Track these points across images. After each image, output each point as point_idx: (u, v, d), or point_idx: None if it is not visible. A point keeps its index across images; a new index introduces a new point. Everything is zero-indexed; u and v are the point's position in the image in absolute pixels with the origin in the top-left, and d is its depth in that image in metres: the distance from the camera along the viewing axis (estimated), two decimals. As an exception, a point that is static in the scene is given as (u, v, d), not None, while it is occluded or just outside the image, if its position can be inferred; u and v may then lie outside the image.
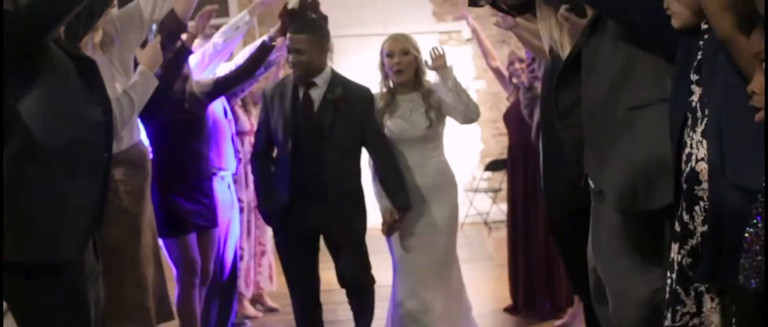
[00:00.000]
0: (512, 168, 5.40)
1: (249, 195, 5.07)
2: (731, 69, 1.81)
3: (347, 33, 8.29)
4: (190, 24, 4.03)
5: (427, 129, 4.17)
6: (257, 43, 4.41)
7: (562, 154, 2.92)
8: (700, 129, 2.07)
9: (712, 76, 2.04)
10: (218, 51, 4.53)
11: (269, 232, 5.09)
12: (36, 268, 2.50)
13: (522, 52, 5.02)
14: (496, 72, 5.39)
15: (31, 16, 2.45)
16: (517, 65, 4.97)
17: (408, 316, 4.18)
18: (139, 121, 3.54)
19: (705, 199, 2.05)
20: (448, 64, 4.18)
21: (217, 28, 4.66)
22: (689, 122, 2.13)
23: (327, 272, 4.21)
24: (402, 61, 4.17)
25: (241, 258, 4.93)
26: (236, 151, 4.60)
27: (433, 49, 4.21)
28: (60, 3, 2.50)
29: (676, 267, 2.12)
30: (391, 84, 4.24)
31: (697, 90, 2.12)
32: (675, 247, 2.14)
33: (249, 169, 4.68)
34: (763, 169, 1.61)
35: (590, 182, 2.69)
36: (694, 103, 2.13)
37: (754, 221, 1.61)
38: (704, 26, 2.08)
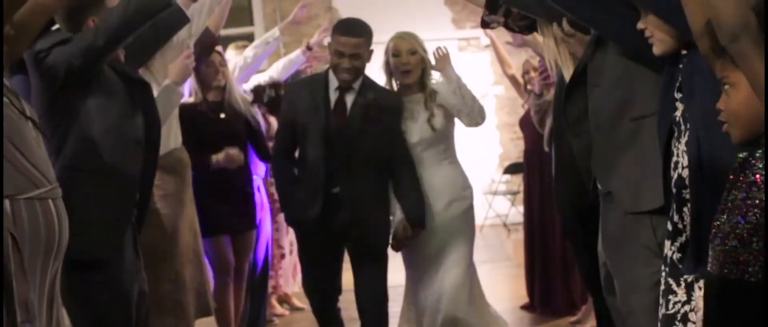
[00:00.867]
0: (529, 171, 5.61)
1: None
2: (705, 89, 2.05)
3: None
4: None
5: (434, 131, 4.00)
6: (294, 55, 4.70)
7: (572, 159, 3.15)
8: (684, 140, 2.30)
9: (689, 94, 2.28)
10: (250, 64, 4.81)
11: (290, 234, 5.31)
12: (82, 264, 2.76)
13: (536, 61, 5.23)
14: (512, 79, 5.60)
15: (71, 68, 2.76)
16: (532, 73, 5.16)
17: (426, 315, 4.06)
18: (178, 128, 3.79)
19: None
20: (452, 64, 4.08)
21: (245, 38, 4.97)
22: (675, 134, 2.36)
23: (348, 273, 4.13)
24: (410, 61, 4.00)
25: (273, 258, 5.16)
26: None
27: (436, 49, 4.08)
28: (95, 52, 2.79)
29: (668, 261, 2.37)
30: (395, 84, 4.09)
31: (680, 106, 2.35)
32: (668, 243, 2.38)
33: None
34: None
35: (598, 185, 2.92)
36: (678, 118, 2.36)
37: (720, 216, 1.86)
38: (684, 52, 2.31)
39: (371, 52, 3.93)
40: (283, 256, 5.57)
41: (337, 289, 4.08)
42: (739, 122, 1.84)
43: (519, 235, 6.03)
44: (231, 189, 4.24)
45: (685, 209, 2.27)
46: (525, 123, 5.55)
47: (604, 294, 3.04)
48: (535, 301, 5.49)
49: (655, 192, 2.47)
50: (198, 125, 4.13)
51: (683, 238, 2.27)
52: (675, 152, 2.34)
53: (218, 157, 4.15)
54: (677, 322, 2.26)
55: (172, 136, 3.73)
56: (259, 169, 4.72)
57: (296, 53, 5.09)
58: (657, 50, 2.39)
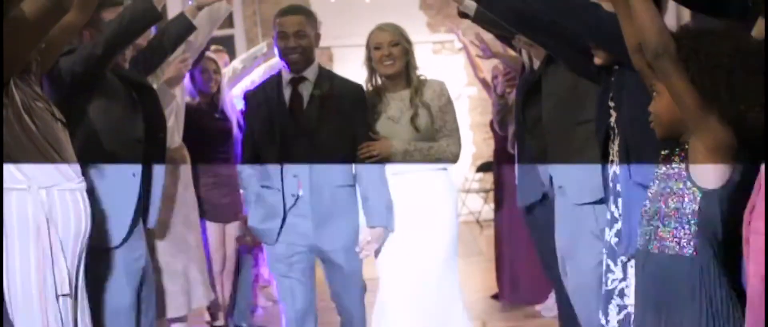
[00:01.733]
0: (498, 169, 5.96)
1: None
2: (630, 101, 2.41)
3: (343, 43, 8.75)
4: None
5: (417, 132, 3.70)
6: (273, 61, 4.95)
7: (532, 158, 3.55)
8: (617, 142, 2.67)
9: (619, 104, 2.66)
10: (237, 76, 5.12)
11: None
12: (96, 251, 3.06)
13: (502, 67, 5.56)
14: (483, 82, 5.94)
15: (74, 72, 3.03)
16: (500, 78, 5.51)
17: None
18: (175, 128, 4.09)
19: None
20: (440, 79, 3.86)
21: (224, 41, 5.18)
22: (611, 137, 2.73)
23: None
24: (392, 52, 3.69)
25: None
26: None
27: None
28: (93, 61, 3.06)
29: (607, 245, 2.73)
30: (378, 80, 3.78)
31: (613, 113, 2.73)
32: (607, 230, 2.75)
33: None
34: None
35: (553, 180, 3.30)
36: (612, 124, 2.73)
37: (645, 202, 2.23)
38: (616, 67, 2.68)
39: (318, 36, 3.72)
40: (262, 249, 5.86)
41: (311, 304, 3.74)
42: (661, 123, 2.21)
43: (492, 231, 6.36)
44: (223, 182, 4.56)
45: (620, 200, 2.63)
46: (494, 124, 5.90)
47: (561, 277, 3.41)
48: (503, 291, 5.85)
49: (596, 186, 2.84)
50: (198, 122, 4.42)
51: (619, 225, 2.64)
52: (610, 152, 2.72)
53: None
54: (615, 296, 2.63)
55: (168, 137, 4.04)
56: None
57: (275, 59, 5.38)
58: (597, 61, 2.75)
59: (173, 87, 3.93)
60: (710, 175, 2.06)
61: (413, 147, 3.68)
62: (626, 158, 2.48)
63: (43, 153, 2.27)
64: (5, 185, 2.18)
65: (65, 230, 2.28)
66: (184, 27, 3.43)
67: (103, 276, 3.03)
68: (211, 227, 4.57)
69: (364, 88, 3.76)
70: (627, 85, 2.40)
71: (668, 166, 2.20)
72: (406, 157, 3.66)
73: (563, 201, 3.20)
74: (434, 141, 3.72)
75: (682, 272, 2.11)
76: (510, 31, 3.45)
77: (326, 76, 3.71)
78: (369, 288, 3.86)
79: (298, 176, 3.59)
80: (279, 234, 3.63)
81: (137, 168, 3.22)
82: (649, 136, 2.25)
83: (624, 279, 2.59)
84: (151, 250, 3.50)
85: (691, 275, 2.09)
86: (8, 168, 2.21)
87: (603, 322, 2.67)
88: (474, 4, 3.46)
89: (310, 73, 3.66)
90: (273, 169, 3.63)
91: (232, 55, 6.61)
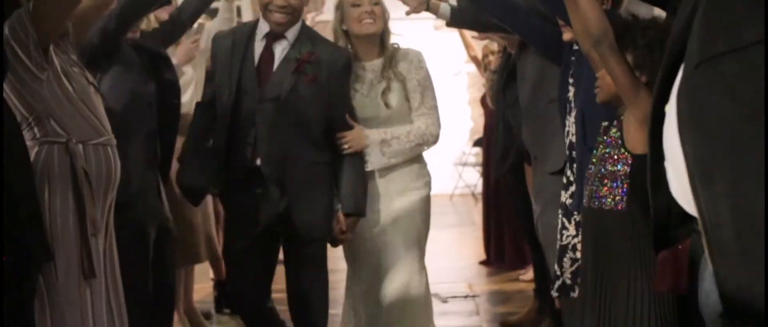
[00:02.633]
0: (487, 144, 6.34)
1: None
2: (588, 76, 2.77)
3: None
4: None
5: (388, 108, 3.35)
6: None
7: (511, 131, 3.95)
8: (573, 114, 3.03)
9: (578, 80, 3.00)
10: None
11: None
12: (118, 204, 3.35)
13: (494, 46, 5.92)
14: (474, 60, 6.30)
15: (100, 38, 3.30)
16: (490, 57, 5.86)
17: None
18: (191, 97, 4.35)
19: None
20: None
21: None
22: (568, 109, 3.09)
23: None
24: (374, 10, 3.32)
25: None
26: None
27: None
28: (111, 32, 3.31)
29: (563, 205, 3.10)
30: (350, 47, 3.40)
31: (572, 89, 3.08)
32: (563, 192, 3.12)
33: None
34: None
35: (529, 151, 3.70)
36: (570, 98, 3.08)
37: (590, 166, 2.61)
38: (575, 47, 3.03)
39: None
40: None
41: (267, 292, 3.36)
42: (603, 90, 2.57)
43: (485, 203, 6.77)
44: None
45: (574, 166, 3.01)
46: (485, 100, 6.27)
47: (537, 234, 3.80)
48: (490, 257, 6.26)
49: (560, 156, 3.22)
50: None
51: (573, 188, 3.02)
52: (567, 124, 3.08)
53: None
54: (569, 251, 3.00)
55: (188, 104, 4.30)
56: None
57: None
58: (566, 37, 3.11)
59: (182, 66, 4.23)
60: (640, 142, 2.40)
61: (390, 135, 3.33)
62: (582, 128, 2.85)
63: (79, 112, 2.63)
64: (49, 138, 2.55)
65: (98, 179, 2.65)
66: (201, 1, 3.62)
67: (123, 226, 3.32)
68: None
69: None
70: (585, 62, 2.75)
71: (608, 134, 2.57)
72: (383, 148, 3.33)
73: (538, 169, 3.59)
74: (409, 121, 3.38)
75: (616, 225, 2.47)
76: (485, 28, 3.84)
77: (307, 37, 3.25)
78: (332, 282, 3.43)
79: (256, 145, 3.17)
80: (237, 215, 3.29)
81: (149, 129, 3.44)
82: (600, 107, 2.62)
83: (576, 235, 2.96)
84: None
85: (624, 228, 2.45)
86: (51, 124, 2.59)
87: (558, 273, 3.05)
88: (448, 10, 3.65)
89: (291, 32, 3.22)
90: (225, 129, 3.21)
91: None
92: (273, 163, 3.16)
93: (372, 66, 3.38)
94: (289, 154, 3.17)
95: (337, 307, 3.71)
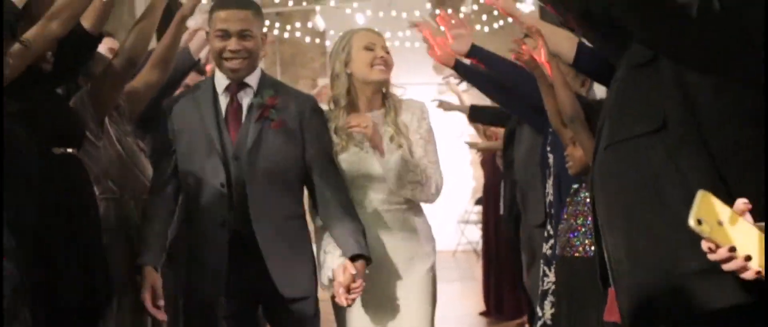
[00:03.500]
0: (486, 202, 6.81)
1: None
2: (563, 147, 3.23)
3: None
4: None
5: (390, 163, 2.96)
6: None
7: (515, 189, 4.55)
8: (551, 178, 3.49)
9: (554, 150, 3.45)
10: None
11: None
12: None
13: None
14: (474, 126, 6.77)
15: None
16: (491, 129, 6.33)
17: None
18: None
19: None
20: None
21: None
22: (548, 175, 3.55)
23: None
24: (385, 58, 3.07)
25: None
26: None
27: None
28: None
29: (544, 256, 3.52)
30: (349, 93, 3.09)
31: (551, 156, 3.54)
32: (544, 244, 3.56)
33: None
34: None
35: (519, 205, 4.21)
36: (550, 164, 3.54)
37: (563, 221, 3.07)
38: None
39: (266, 36, 3.06)
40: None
41: None
42: (575, 164, 3.01)
43: (487, 260, 7.19)
44: None
45: (553, 222, 3.47)
46: (484, 162, 6.76)
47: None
48: (490, 308, 6.67)
49: (540, 212, 3.70)
50: None
51: (553, 241, 3.47)
52: (547, 186, 3.55)
53: None
54: (549, 295, 3.43)
55: None
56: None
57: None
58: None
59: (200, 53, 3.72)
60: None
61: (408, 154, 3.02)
62: (558, 190, 3.32)
63: (131, 172, 3.10)
64: (104, 195, 3.01)
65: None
66: (187, 62, 3.44)
67: None
68: None
69: (325, 105, 3.14)
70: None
71: (577, 195, 3.04)
72: (390, 156, 2.95)
73: (525, 223, 4.08)
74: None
75: (586, 269, 2.89)
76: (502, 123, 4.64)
77: (269, 83, 3.04)
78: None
79: (232, 207, 2.91)
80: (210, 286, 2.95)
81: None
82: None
83: (555, 282, 3.41)
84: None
85: (592, 271, 2.88)
86: (108, 183, 3.04)
87: (540, 314, 3.48)
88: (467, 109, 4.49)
89: (252, 78, 3.00)
90: (200, 195, 2.95)
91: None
92: (244, 219, 2.90)
93: (373, 116, 3.05)
94: (266, 214, 2.91)
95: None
